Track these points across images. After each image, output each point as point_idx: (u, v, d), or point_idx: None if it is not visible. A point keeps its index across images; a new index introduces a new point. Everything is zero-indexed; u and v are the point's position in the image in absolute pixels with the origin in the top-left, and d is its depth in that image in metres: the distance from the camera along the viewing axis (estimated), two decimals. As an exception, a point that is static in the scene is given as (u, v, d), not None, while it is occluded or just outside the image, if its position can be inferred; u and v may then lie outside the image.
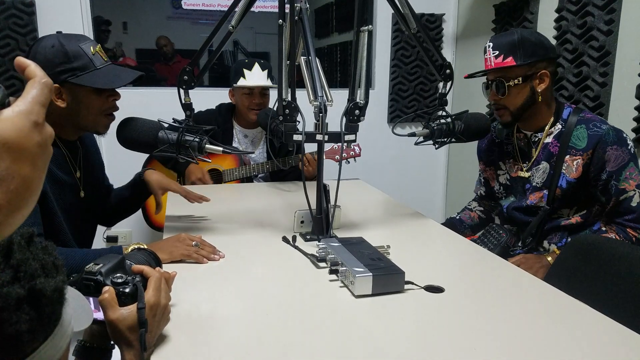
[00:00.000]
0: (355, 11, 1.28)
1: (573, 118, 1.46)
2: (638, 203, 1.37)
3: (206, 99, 2.31)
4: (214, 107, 2.28)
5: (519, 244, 1.58)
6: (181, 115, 1.37)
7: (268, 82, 2.12)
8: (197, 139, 1.30)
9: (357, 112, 1.28)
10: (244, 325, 0.90)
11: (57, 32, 1.31)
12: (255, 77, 2.10)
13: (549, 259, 1.41)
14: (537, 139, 1.54)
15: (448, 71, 1.53)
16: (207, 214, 1.62)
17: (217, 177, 2.20)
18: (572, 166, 1.45)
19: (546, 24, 2.36)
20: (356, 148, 2.04)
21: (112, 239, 2.82)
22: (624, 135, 1.41)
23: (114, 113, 1.35)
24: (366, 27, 1.26)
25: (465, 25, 3.09)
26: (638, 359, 0.79)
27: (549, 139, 1.51)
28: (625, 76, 1.96)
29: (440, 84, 1.56)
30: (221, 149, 1.30)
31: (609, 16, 1.99)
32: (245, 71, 2.10)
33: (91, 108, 1.27)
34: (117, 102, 1.35)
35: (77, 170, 1.39)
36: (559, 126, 1.49)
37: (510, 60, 1.44)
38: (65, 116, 1.27)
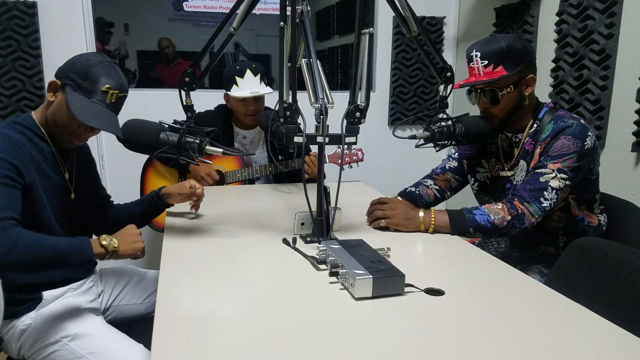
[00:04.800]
0: (356, 14, 1.29)
1: (547, 117, 1.48)
2: (546, 181, 1.38)
3: (206, 100, 2.31)
4: (213, 109, 2.28)
5: (515, 252, 1.58)
6: (181, 116, 1.38)
7: (262, 88, 2.10)
8: (197, 141, 1.31)
9: (357, 114, 1.28)
10: (243, 326, 0.90)
11: (114, 62, 1.37)
12: (247, 84, 2.08)
13: (421, 214, 1.45)
14: (518, 139, 1.55)
15: (449, 74, 1.53)
16: (208, 215, 1.62)
17: (219, 178, 2.21)
18: (535, 158, 1.46)
19: (547, 27, 2.37)
20: (359, 153, 2.05)
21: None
22: (589, 133, 1.41)
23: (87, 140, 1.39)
24: (367, 30, 1.27)
25: (466, 28, 3.10)
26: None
27: (527, 139, 1.52)
28: (626, 80, 1.96)
29: (441, 87, 1.56)
30: (221, 150, 1.31)
31: (609, 20, 2.00)
32: (238, 79, 2.08)
33: (63, 120, 1.30)
34: None
35: (66, 172, 1.40)
36: (535, 125, 1.50)
37: (500, 70, 1.44)
38: (49, 114, 1.32)
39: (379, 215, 1.48)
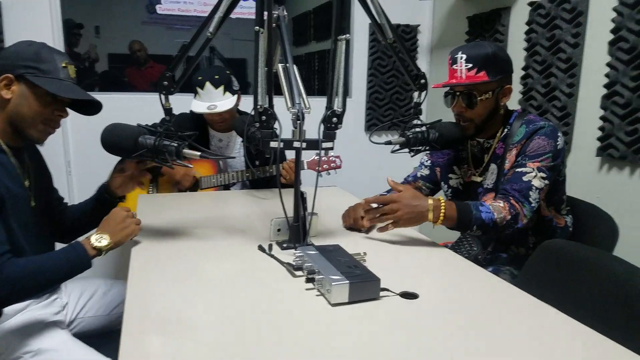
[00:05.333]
0: (333, 20, 1.30)
1: (517, 121, 1.52)
2: (529, 180, 1.41)
3: (179, 103, 2.28)
4: (188, 112, 2.25)
5: (486, 254, 1.61)
6: (153, 120, 1.37)
7: (221, 102, 2.00)
8: (174, 144, 1.29)
9: (334, 119, 1.29)
10: (217, 334, 0.89)
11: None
12: (206, 97, 2.02)
13: (430, 202, 1.37)
14: (489, 145, 1.58)
15: (423, 81, 1.56)
16: (180, 222, 1.60)
17: (193, 184, 2.18)
18: (510, 159, 1.50)
19: (517, 36, 2.43)
20: (337, 160, 2.05)
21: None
22: (559, 133, 1.46)
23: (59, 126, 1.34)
24: (344, 36, 1.28)
25: (440, 37, 3.16)
26: (605, 362, 0.82)
27: (497, 144, 1.56)
28: (591, 87, 2.03)
29: (416, 94, 1.59)
30: (199, 153, 1.29)
31: (575, 29, 2.07)
32: (198, 89, 2.03)
33: (33, 109, 1.25)
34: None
35: (27, 179, 1.34)
36: (505, 130, 1.55)
37: (483, 75, 1.47)
38: (7, 113, 1.26)
39: (384, 219, 1.40)
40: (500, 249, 1.63)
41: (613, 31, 1.87)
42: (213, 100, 2.03)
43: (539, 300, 1.04)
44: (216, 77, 2.04)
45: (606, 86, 1.92)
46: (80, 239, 1.27)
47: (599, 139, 1.97)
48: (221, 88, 2.03)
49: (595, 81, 2.00)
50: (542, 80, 2.26)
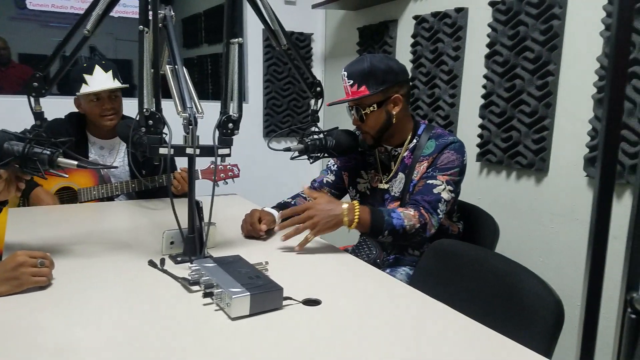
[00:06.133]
0: (224, 23, 1.25)
1: (425, 134, 1.60)
2: (438, 193, 1.50)
3: (55, 107, 2.06)
4: (64, 117, 2.04)
5: (385, 256, 1.67)
6: (17, 125, 1.21)
7: (115, 83, 1.93)
8: (47, 152, 1.15)
9: (230, 125, 1.24)
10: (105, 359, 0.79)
11: None
12: (98, 81, 1.90)
13: (345, 206, 1.40)
14: (397, 153, 1.64)
15: (318, 89, 1.57)
16: (60, 238, 1.43)
17: (71, 197, 1.96)
18: (419, 171, 1.57)
19: (404, 48, 2.58)
20: (235, 169, 1.98)
21: None
22: (464, 150, 1.57)
23: None
24: (236, 40, 1.24)
25: (333, 46, 3.24)
26: (491, 352, 0.87)
27: (406, 153, 1.62)
28: (470, 97, 2.22)
29: (312, 101, 1.59)
30: (76, 162, 1.16)
31: (456, 43, 2.24)
32: (86, 76, 1.89)
33: None
34: None
35: None
36: (414, 141, 1.61)
37: (363, 90, 1.51)
38: None
39: (302, 229, 1.39)
40: (397, 252, 1.69)
41: (488, 45, 2.06)
42: (105, 83, 1.90)
43: (430, 297, 1.10)
44: (104, 62, 1.94)
45: (483, 97, 2.10)
46: None
47: (478, 145, 2.15)
48: (110, 72, 1.93)
49: (474, 92, 2.18)
50: (427, 90, 2.41)
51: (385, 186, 1.66)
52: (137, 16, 1.17)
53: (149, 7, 1.17)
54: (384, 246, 1.69)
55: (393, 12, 2.65)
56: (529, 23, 1.88)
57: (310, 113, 1.59)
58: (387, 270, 1.60)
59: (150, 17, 1.19)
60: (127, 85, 1.97)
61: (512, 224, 2.05)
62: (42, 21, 4.12)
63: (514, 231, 2.04)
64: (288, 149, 1.52)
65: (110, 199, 2.01)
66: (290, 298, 1.04)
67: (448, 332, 0.94)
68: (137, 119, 1.18)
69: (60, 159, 1.17)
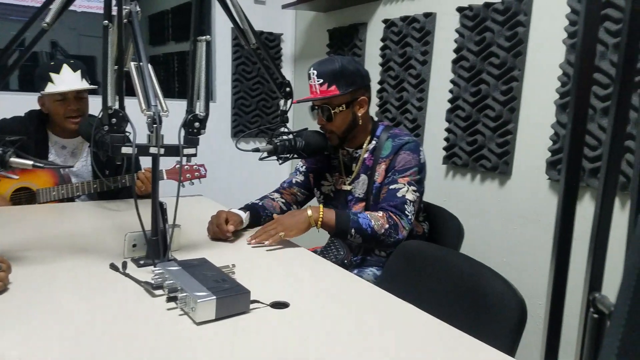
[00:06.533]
0: (192, 20, 1.22)
1: (384, 135, 1.62)
2: (403, 195, 1.53)
3: (15, 104, 1.98)
4: (23, 114, 1.95)
5: (352, 257, 1.67)
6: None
7: (83, 84, 1.87)
8: None
9: (197, 124, 1.21)
10: (60, 373, 0.75)
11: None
12: (65, 81, 1.84)
13: (309, 212, 1.47)
14: (357, 154, 1.66)
15: (288, 89, 1.56)
16: (17, 239, 1.36)
17: (29, 197, 1.88)
18: (380, 172, 1.59)
19: (373, 51, 2.60)
20: (201, 169, 1.94)
21: None
22: (420, 148, 1.60)
23: None
24: (204, 37, 1.21)
25: (303, 47, 3.24)
26: (456, 350, 0.88)
27: (366, 155, 1.64)
28: (437, 102, 2.25)
29: (282, 101, 1.58)
30: (31, 162, 1.11)
31: (424, 47, 2.27)
32: (53, 75, 1.82)
33: None
34: None
35: None
36: (373, 142, 1.63)
37: (334, 89, 1.53)
38: None
39: (273, 234, 1.44)
40: (365, 253, 1.70)
41: (455, 50, 2.09)
42: (73, 84, 1.84)
43: (396, 298, 1.10)
44: (73, 62, 1.88)
45: (450, 101, 2.14)
46: None
47: (445, 148, 2.19)
48: (79, 72, 1.87)
49: (441, 96, 2.22)
50: (396, 94, 2.44)
51: (349, 187, 1.67)
52: (101, 11, 1.13)
53: (114, 2, 1.14)
54: (352, 247, 1.69)
55: (363, 15, 2.67)
56: (494, 29, 1.92)
57: (280, 113, 1.58)
58: (355, 271, 1.60)
59: (115, 13, 1.15)
60: (96, 87, 1.91)
61: (476, 225, 2.09)
62: (2, 14, 3.95)
63: (479, 232, 2.08)
64: (257, 150, 1.50)
65: (71, 199, 1.93)
66: (257, 301, 1.02)
67: (414, 332, 0.94)
68: (100, 116, 1.14)
69: (13, 159, 1.11)
